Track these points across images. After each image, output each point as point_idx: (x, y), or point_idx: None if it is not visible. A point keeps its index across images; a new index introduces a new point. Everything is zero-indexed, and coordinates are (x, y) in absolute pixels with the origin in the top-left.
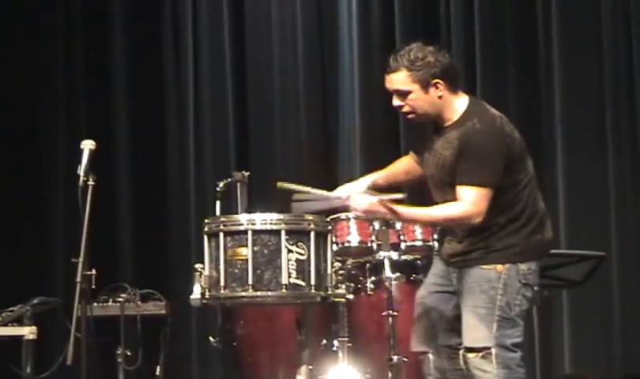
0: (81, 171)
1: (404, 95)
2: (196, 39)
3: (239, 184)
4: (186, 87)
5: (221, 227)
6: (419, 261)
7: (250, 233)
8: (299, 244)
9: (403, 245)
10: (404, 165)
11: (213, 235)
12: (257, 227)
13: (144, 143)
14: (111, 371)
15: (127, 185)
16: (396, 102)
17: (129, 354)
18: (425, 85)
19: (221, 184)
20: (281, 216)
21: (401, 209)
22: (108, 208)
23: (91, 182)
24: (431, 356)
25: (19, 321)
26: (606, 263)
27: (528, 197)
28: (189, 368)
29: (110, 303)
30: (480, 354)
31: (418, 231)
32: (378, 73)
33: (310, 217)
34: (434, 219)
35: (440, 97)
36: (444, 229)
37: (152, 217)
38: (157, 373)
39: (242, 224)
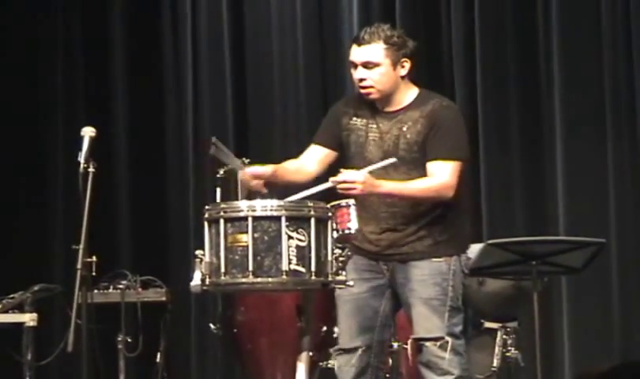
0: (82, 158)
1: (371, 67)
2: (194, 27)
3: (239, 171)
4: (185, 74)
5: (221, 214)
6: None
7: (250, 219)
8: (300, 230)
9: None
10: (295, 164)
11: (213, 222)
12: (258, 213)
13: (143, 130)
14: (111, 358)
15: (126, 172)
16: (361, 74)
17: (129, 340)
18: (395, 62)
19: (221, 171)
20: (281, 203)
21: (389, 184)
22: (108, 195)
23: (91, 169)
24: (359, 351)
25: (20, 308)
26: (605, 250)
27: (465, 187)
28: (189, 354)
29: (110, 290)
30: (438, 343)
31: None
32: None
33: (310, 203)
34: (419, 191)
35: (402, 77)
36: (367, 220)
37: (152, 204)
38: (158, 359)
39: (242, 211)
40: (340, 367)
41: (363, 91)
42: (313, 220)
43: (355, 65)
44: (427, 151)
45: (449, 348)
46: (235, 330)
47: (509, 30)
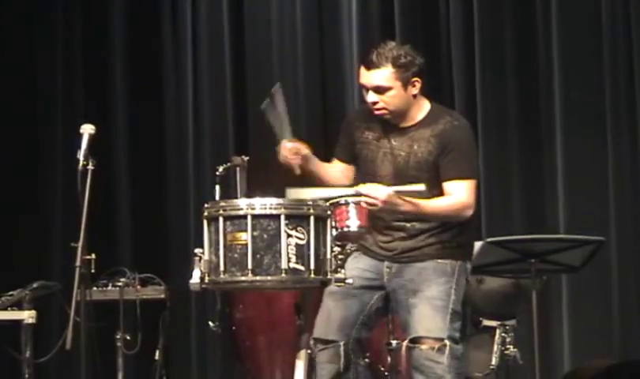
0: (81, 156)
1: (382, 91)
2: (195, 25)
3: (238, 168)
4: (185, 72)
5: (221, 212)
6: None
7: (249, 217)
8: (299, 229)
9: None
10: (327, 167)
11: (213, 220)
12: (257, 211)
13: (142, 127)
14: (110, 356)
15: (126, 169)
16: (373, 97)
17: (128, 338)
18: (406, 83)
19: (221, 168)
20: (281, 201)
21: (415, 202)
22: (107, 192)
23: (90, 167)
24: (341, 346)
25: (18, 305)
26: (605, 247)
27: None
28: (188, 352)
29: (109, 288)
30: (436, 345)
31: None
32: None
33: (309, 202)
34: (439, 210)
35: (414, 96)
36: (379, 230)
37: (152, 201)
38: (156, 357)
39: (241, 209)
40: (321, 363)
41: (377, 112)
42: (312, 218)
43: (367, 89)
44: (440, 172)
45: (446, 352)
46: (234, 328)
47: (508, 25)
